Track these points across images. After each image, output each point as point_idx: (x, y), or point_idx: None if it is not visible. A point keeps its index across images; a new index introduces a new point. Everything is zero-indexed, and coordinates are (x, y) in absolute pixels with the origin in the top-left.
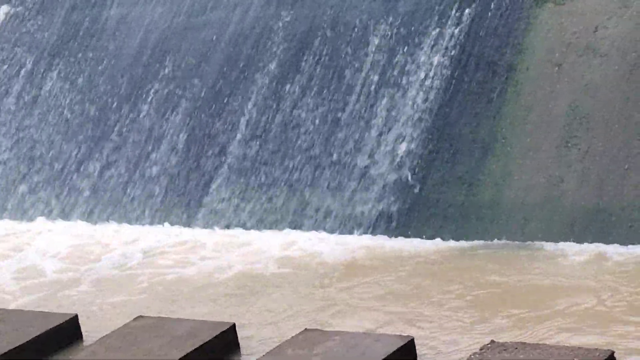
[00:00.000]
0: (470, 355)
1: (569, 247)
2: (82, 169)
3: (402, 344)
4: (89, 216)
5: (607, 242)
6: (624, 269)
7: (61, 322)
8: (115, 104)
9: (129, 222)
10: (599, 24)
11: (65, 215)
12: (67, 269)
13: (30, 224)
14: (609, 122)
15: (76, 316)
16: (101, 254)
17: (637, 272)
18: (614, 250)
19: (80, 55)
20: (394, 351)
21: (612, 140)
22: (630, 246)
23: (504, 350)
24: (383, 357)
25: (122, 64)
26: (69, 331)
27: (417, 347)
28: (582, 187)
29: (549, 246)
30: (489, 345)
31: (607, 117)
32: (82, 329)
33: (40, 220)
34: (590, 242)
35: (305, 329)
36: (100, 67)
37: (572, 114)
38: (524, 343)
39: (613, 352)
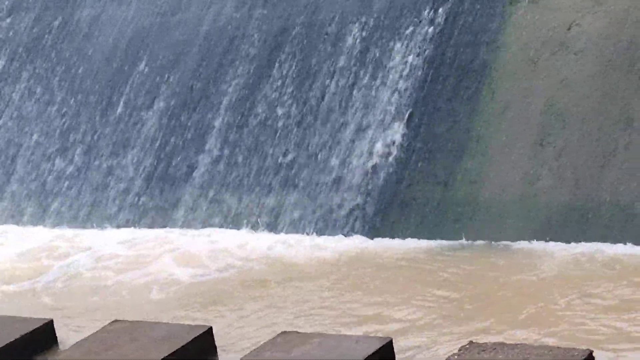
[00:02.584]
0: (449, 356)
1: (546, 246)
2: (54, 170)
3: (380, 345)
4: (62, 219)
5: (584, 240)
6: (600, 267)
7: (37, 327)
8: (88, 104)
9: (100, 226)
10: (574, 21)
11: (39, 219)
12: (36, 272)
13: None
14: (584, 119)
15: (51, 321)
16: (71, 258)
17: (613, 270)
18: (591, 248)
19: (53, 55)
20: (373, 352)
21: (588, 138)
22: (606, 244)
23: (483, 350)
24: (362, 358)
25: (95, 64)
26: (44, 336)
27: (395, 348)
28: (558, 185)
29: (525, 245)
30: (468, 346)
31: (582, 114)
32: (57, 334)
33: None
34: (567, 241)
35: (283, 331)
36: (73, 68)
37: (548, 112)
38: (503, 343)
39: (592, 352)
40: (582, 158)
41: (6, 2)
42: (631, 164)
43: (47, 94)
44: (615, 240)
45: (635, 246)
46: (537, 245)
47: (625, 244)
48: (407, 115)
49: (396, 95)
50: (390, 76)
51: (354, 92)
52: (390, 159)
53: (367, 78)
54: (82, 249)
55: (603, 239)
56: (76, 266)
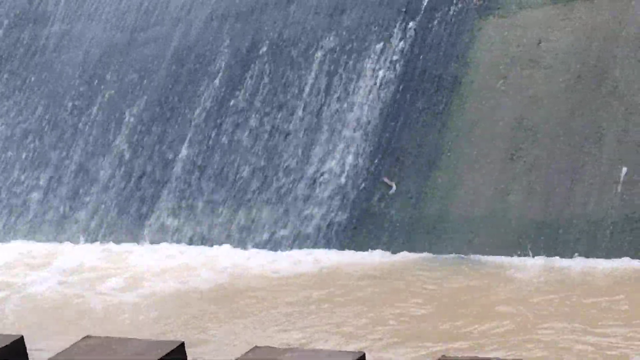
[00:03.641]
0: None
1: (516, 260)
2: (23, 185)
3: None
4: (30, 235)
5: (554, 255)
6: (570, 282)
7: (7, 344)
8: (57, 120)
9: (70, 241)
10: (542, 37)
11: (4, 235)
12: (2, 288)
13: None
14: (554, 134)
15: (22, 337)
16: (39, 272)
17: (583, 284)
18: (561, 263)
19: (21, 71)
20: None
21: (557, 153)
22: (576, 259)
23: None
24: None
25: (64, 80)
26: (15, 353)
27: None
28: (528, 199)
29: (496, 259)
30: None
31: (552, 129)
32: (28, 351)
33: None
34: (537, 255)
35: (255, 346)
36: (42, 84)
37: (518, 127)
38: (476, 357)
39: None
40: (552, 173)
41: None
42: (601, 178)
43: (15, 110)
44: (585, 255)
45: (606, 260)
46: (507, 259)
47: (595, 258)
48: (377, 130)
49: (367, 110)
50: (361, 91)
51: (325, 107)
52: (361, 173)
53: (337, 93)
54: (50, 264)
55: (573, 253)
56: (44, 281)
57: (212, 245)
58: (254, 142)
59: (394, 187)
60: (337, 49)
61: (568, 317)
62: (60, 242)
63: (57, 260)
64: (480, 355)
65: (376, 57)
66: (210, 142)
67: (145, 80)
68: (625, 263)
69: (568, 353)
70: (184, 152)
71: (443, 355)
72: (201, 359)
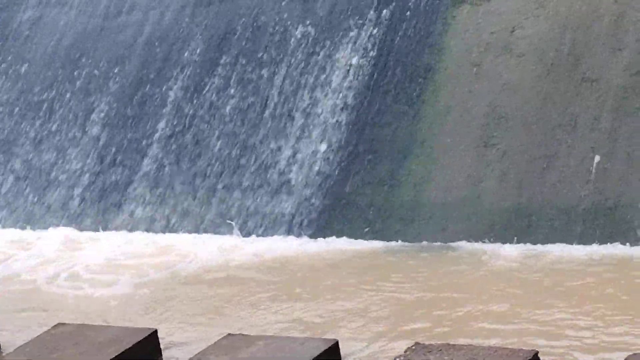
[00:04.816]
0: (395, 358)
1: (489, 247)
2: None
3: (326, 347)
4: (2, 221)
5: (527, 242)
6: (543, 268)
7: None
8: (30, 107)
9: (45, 228)
10: (516, 24)
11: None
12: None
13: None
14: (527, 121)
15: None
16: (10, 259)
17: (557, 270)
18: (534, 249)
19: None
20: (319, 354)
21: (530, 140)
22: (549, 245)
23: (429, 352)
24: None
25: (36, 67)
26: None
27: (341, 350)
28: (502, 186)
29: (469, 246)
30: (414, 347)
31: (525, 117)
32: (0, 338)
33: None
34: (510, 242)
35: (228, 333)
36: (13, 71)
37: (491, 114)
38: (449, 344)
39: (537, 352)
40: (525, 160)
41: None
42: (574, 165)
43: None
44: (558, 241)
45: (578, 246)
46: (481, 246)
47: (568, 244)
48: (351, 117)
49: (341, 97)
50: (335, 78)
51: (299, 94)
52: (335, 160)
53: (311, 80)
54: (23, 251)
55: (546, 240)
56: (16, 268)
57: (183, 233)
58: (227, 129)
59: None
60: (311, 36)
61: (542, 303)
62: (32, 229)
63: (28, 248)
64: (453, 342)
65: (350, 45)
66: (183, 130)
67: (118, 67)
68: (597, 249)
69: (544, 338)
70: (156, 139)
71: (416, 342)
72: (174, 346)
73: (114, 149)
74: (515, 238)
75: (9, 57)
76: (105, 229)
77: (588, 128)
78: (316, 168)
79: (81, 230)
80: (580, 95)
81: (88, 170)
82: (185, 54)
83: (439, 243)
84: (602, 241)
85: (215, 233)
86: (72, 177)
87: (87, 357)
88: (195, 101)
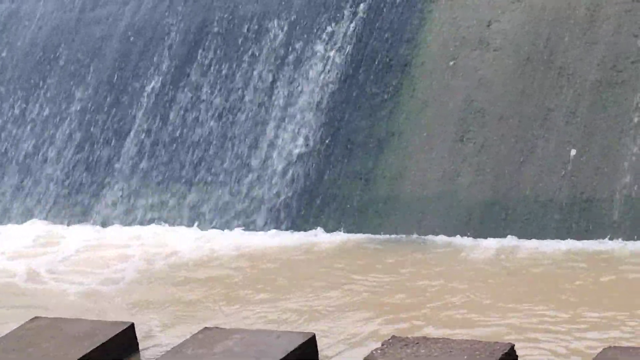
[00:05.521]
0: (372, 351)
1: (465, 241)
2: None
3: (303, 340)
4: None
5: (503, 236)
6: (520, 262)
7: None
8: (6, 99)
9: (18, 222)
10: (492, 18)
11: None
12: None
13: None
14: (503, 116)
15: None
16: None
17: (533, 264)
18: (510, 244)
19: None
20: (295, 348)
21: (506, 134)
22: (525, 239)
23: (405, 345)
24: (284, 354)
25: (12, 59)
26: None
27: (318, 344)
28: (478, 181)
29: (445, 240)
30: (390, 341)
31: (501, 111)
32: None
33: None
34: (487, 236)
35: (205, 327)
36: None
37: (467, 109)
38: (425, 338)
39: (513, 345)
40: (501, 154)
41: None
42: (550, 159)
43: None
44: (534, 236)
45: (554, 241)
46: (457, 240)
47: (544, 239)
48: (327, 112)
49: (317, 91)
50: (312, 72)
51: (275, 88)
52: (311, 154)
53: (288, 74)
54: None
55: (523, 234)
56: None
57: (161, 225)
58: (203, 122)
59: None
60: (288, 29)
61: (518, 296)
62: (7, 222)
63: (2, 241)
64: (430, 336)
65: (327, 39)
66: (161, 122)
67: (95, 60)
68: (573, 243)
69: (519, 331)
70: (134, 131)
71: (393, 335)
72: (150, 340)
73: (90, 142)
74: (492, 232)
75: None
76: (80, 222)
77: (564, 122)
78: (292, 162)
79: (56, 223)
80: (556, 89)
81: (63, 164)
82: (162, 46)
83: (415, 237)
84: (579, 235)
85: (192, 226)
86: (47, 170)
87: (63, 351)
88: (171, 94)
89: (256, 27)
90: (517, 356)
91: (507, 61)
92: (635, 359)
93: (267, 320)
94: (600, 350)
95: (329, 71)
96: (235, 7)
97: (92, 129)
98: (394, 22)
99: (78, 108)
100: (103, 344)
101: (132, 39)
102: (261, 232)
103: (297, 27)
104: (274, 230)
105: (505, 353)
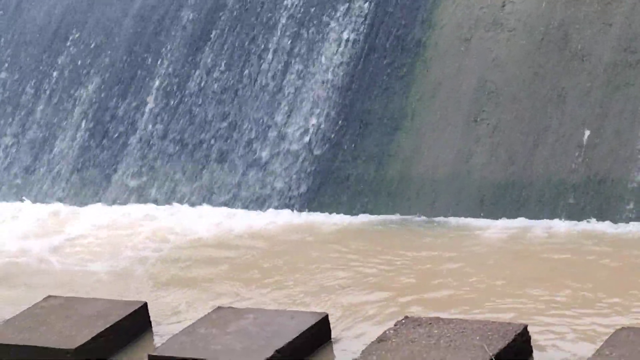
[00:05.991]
0: (385, 331)
1: (478, 222)
2: None
3: (316, 320)
4: None
5: (516, 217)
6: (533, 243)
7: None
8: (19, 80)
9: (34, 201)
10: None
11: None
12: None
13: None
14: (517, 97)
15: None
16: (7, 234)
17: (546, 245)
18: (523, 224)
19: None
20: (308, 328)
21: (520, 115)
22: (539, 220)
23: (418, 325)
24: (297, 334)
25: (26, 39)
26: None
27: (331, 324)
28: (491, 162)
29: (458, 221)
30: (403, 321)
31: (515, 92)
32: None
33: None
34: (500, 217)
35: (218, 307)
36: (4, 44)
37: (481, 89)
38: (438, 318)
39: (526, 326)
40: (515, 135)
41: None
42: (564, 140)
43: None
44: (547, 216)
45: (567, 221)
46: (470, 221)
47: (557, 219)
48: (341, 92)
49: (331, 71)
50: (325, 52)
51: (289, 68)
52: (324, 135)
53: (301, 54)
54: (10, 224)
55: (536, 215)
56: (2, 242)
57: (173, 205)
58: (217, 102)
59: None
60: (302, 9)
61: (531, 277)
62: (22, 201)
63: (18, 220)
64: (443, 316)
65: (340, 19)
66: (174, 102)
67: (108, 40)
68: (586, 224)
69: (532, 313)
70: (147, 111)
71: (406, 316)
72: (164, 319)
73: (103, 122)
74: (505, 213)
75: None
76: (94, 202)
77: (578, 103)
78: (306, 142)
79: (70, 203)
80: (570, 70)
81: (77, 144)
82: (176, 26)
83: (428, 218)
84: (592, 216)
85: (205, 206)
86: (61, 151)
87: (76, 330)
88: (185, 74)
89: (270, 6)
90: (530, 337)
91: (521, 42)
92: None
93: (280, 300)
94: (613, 331)
95: (342, 51)
96: None
97: (105, 109)
98: (408, 2)
99: (92, 88)
100: (116, 323)
101: (145, 18)
102: (274, 213)
103: (311, 7)
104: (287, 211)
105: (518, 334)
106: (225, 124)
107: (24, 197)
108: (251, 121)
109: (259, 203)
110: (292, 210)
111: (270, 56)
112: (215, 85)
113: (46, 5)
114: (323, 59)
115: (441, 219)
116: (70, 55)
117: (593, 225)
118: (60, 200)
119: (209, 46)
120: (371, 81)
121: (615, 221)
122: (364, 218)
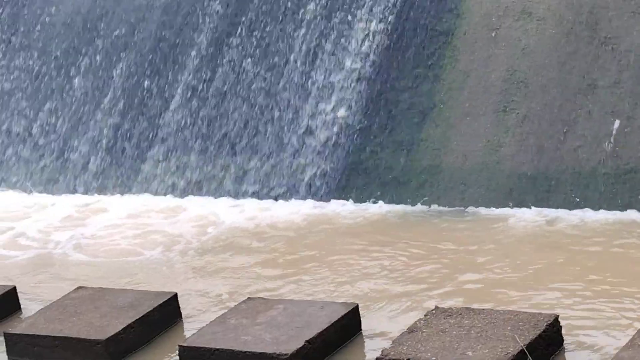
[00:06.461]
0: (416, 322)
1: (508, 212)
2: (17, 137)
3: (346, 311)
4: (22, 186)
5: (546, 207)
6: (562, 233)
7: None
8: (47, 72)
9: (64, 192)
10: None
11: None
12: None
13: None
14: (546, 86)
15: (14, 288)
16: (24, 226)
17: (575, 236)
18: (554, 214)
19: (11, 23)
20: (339, 318)
21: (549, 105)
22: (568, 210)
23: (449, 316)
24: (327, 324)
25: (54, 30)
26: (7, 303)
27: (361, 314)
28: (521, 152)
29: (487, 211)
30: (434, 311)
31: (544, 81)
32: (20, 301)
33: None
34: (529, 206)
35: (248, 297)
36: (33, 35)
37: (510, 79)
38: (468, 308)
39: (557, 316)
40: (544, 125)
41: None
42: (593, 130)
43: (6, 60)
44: (576, 206)
45: (596, 212)
46: (500, 211)
47: (587, 209)
48: (370, 82)
49: (359, 61)
50: (353, 42)
51: (317, 58)
52: (353, 125)
53: (330, 44)
54: (41, 215)
55: (565, 205)
56: (32, 234)
57: (203, 195)
58: (246, 92)
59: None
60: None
61: (561, 268)
62: (53, 192)
63: (48, 211)
64: (473, 306)
65: (369, 9)
66: (202, 94)
67: (136, 32)
68: (616, 215)
69: (562, 303)
70: (176, 102)
71: (436, 306)
72: (194, 310)
73: (132, 112)
74: (535, 203)
75: (27, 23)
76: (124, 192)
77: (608, 92)
78: (335, 132)
79: (101, 193)
80: (600, 59)
81: (106, 135)
82: (205, 16)
83: (457, 208)
84: (622, 206)
85: (234, 197)
86: (89, 142)
87: (106, 321)
88: (213, 64)
89: None
90: (561, 327)
91: (550, 31)
92: None
93: (310, 290)
94: None
95: (371, 41)
96: None
97: (134, 100)
98: None
99: (120, 78)
100: (147, 313)
101: (173, 9)
102: (302, 203)
103: None
104: (315, 201)
105: (549, 324)
106: (254, 114)
107: (53, 188)
108: (280, 111)
109: (288, 193)
110: (322, 200)
111: (298, 45)
112: (244, 76)
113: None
114: (352, 49)
115: (470, 209)
116: (99, 45)
117: (623, 215)
118: (90, 190)
119: (236, 36)
120: (400, 71)
121: None
122: (393, 208)
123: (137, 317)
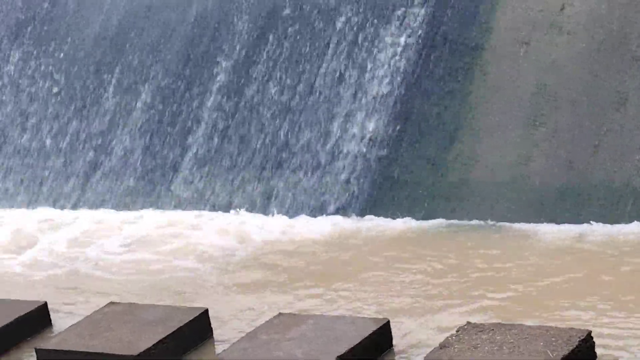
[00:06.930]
0: (448, 337)
1: (539, 227)
2: (46, 153)
3: (377, 326)
4: (54, 201)
5: (577, 222)
6: (593, 248)
7: (31, 310)
8: (78, 85)
9: (93, 207)
10: (565, 2)
11: (29, 201)
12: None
13: None
14: (575, 100)
15: (45, 303)
16: (51, 242)
17: (606, 251)
18: (584, 229)
19: (42, 36)
20: (370, 334)
21: (579, 119)
22: (599, 224)
23: (481, 331)
24: (358, 340)
25: (83, 46)
26: (38, 318)
27: (392, 330)
28: (551, 166)
29: (518, 226)
30: (465, 327)
31: (573, 95)
32: (52, 316)
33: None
34: (560, 221)
35: (279, 313)
36: (61, 51)
37: (539, 93)
38: (500, 324)
39: (590, 332)
40: (575, 139)
41: None
42: (624, 144)
43: (35, 75)
44: (608, 221)
45: (628, 226)
46: (529, 226)
47: (618, 224)
48: (399, 97)
49: (388, 76)
50: (382, 57)
51: (346, 73)
52: (383, 140)
53: (359, 59)
54: (74, 230)
55: (596, 219)
56: (59, 250)
57: (230, 212)
58: (274, 107)
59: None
60: (358, 15)
61: (594, 283)
62: (78, 208)
63: (78, 226)
64: (506, 322)
65: (398, 23)
66: (231, 108)
67: (166, 45)
68: None
69: (595, 318)
70: (205, 117)
71: (468, 322)
72: (225, 325)
73: (161, 128)
74: (565, 218)
75: (57, 35)
76: (153, 207)
77: (638, 106)
78: (364, 148)
79: (130, 208)
80: (630, 73)
81: (134, 151)
82: (233, 32)
83: (487, 222)
84: None
85: (263, 212)
86: (118, 158)
87: (137, 336)
88: (242, 80)
89: (326, 11)
90: (594, 343)
91: (580, 45)
92: None
93: (341, 305)
94: None
95: (399, 56)
96: None
97: (163, 115)
98: (466, 5)
99: (149, 93)
100: (177, 329)
101: (202, 24)
102: (332, 218)
103: (368, 11)
104: (346, 217)
105: (582, 339)
106: (282, 130)
107: (82, 203)
108: (309, 127)
109: (318, 209)
110: (351, 215)
111: (327, 60)
112: (273, 91)
113: (104, 10)
114: (381, 64)
115: (501, 224)
116: (127, 61)
117: None
118: (119, 205)
119: (265, 51)
120: (429, 86)
121: None
122: (422, 223)
123: (168, 333)
